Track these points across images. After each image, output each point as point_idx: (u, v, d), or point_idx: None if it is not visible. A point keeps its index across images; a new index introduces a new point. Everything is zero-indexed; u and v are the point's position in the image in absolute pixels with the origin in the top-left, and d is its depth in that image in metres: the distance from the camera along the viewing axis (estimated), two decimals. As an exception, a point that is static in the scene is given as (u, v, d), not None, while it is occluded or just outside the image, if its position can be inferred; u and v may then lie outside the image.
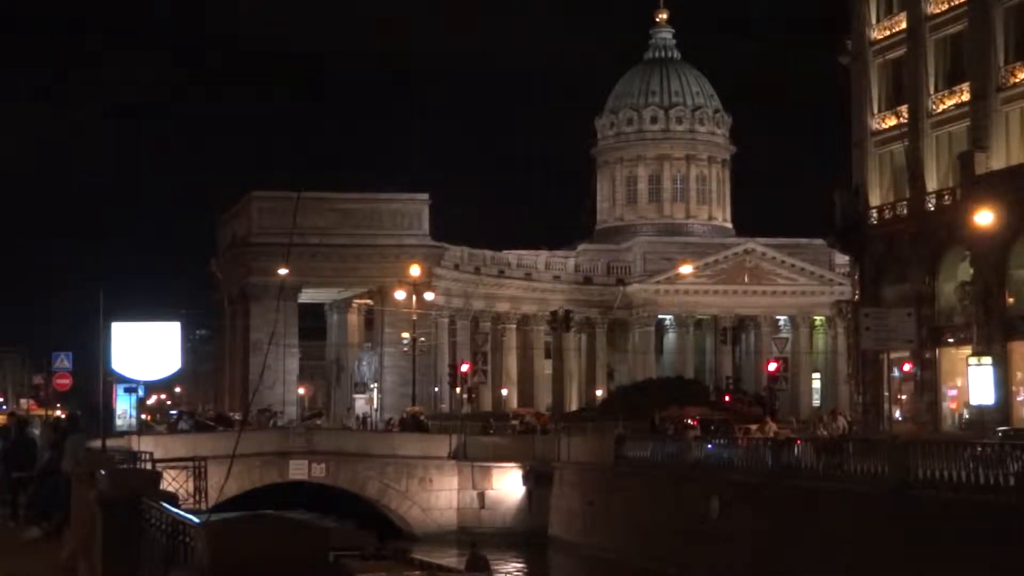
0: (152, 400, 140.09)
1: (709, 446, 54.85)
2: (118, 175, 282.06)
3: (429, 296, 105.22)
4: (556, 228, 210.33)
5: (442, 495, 71.41)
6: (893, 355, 69.99)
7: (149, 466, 33.82)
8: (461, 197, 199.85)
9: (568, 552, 62.69)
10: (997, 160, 63.12)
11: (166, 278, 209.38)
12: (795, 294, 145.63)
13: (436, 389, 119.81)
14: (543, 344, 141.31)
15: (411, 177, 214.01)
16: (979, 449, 38.89)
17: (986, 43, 64.11)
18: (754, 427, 64.54)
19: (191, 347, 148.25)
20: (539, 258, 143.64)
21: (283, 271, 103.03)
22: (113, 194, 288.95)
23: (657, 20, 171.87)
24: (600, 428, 75.00)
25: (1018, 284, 61.96)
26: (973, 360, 60.83)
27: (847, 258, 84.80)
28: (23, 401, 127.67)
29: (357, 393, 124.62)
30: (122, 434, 56.18)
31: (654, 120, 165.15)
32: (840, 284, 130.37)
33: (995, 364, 59.41)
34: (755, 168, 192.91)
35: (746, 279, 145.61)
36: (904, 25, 71.11)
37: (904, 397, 71.04)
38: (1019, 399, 61.26)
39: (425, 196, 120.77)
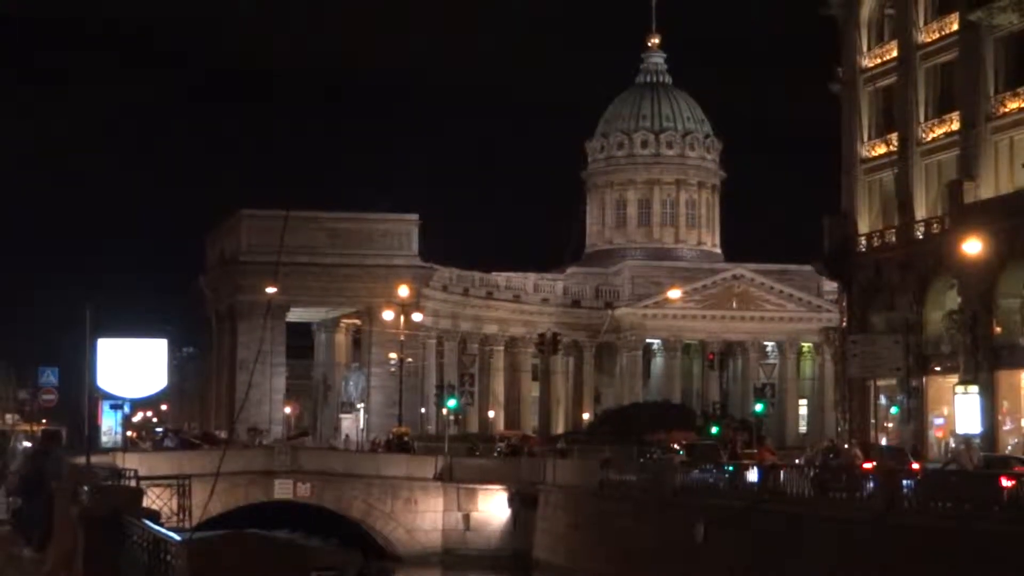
0: (138, 417, 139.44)
1: (695, 471, 54.80)
2: (106, 190, 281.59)
3: (417, 317, 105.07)
4: (545, 251, 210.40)
5: (427, 516, 71.19)
6: (880, 382, 70.08)
7: (133, 483, 33.66)
8: (451, 219, 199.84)
9: (553, 575, 62.49)
10: (986, 189, 63.30)
11: (153, 294, 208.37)
12: (783, 320, 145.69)
13: (423, 410, 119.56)
14: (530, 367, 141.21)
15: (401, 198, 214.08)
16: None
17: (977, 73, 64.34)
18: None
19: (177, 364, 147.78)
20: (528, 281, 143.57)
21: (271, 289, 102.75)
22: (101, 209, 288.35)
23: (649, 45, 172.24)
24: (586, 451, 74.89)
25: (1005, 313, 62.05)
26: (960, 389, 60.79)
27: (835, 285, 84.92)
28: (8, 416, 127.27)
29: (343, 413, 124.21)
30: (107, 451, 55.98)
31: (644, 144, 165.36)
32: (828, 311, 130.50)
33: (982, 393, 59.41)
34: (745, 194, 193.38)
35: (734, 304, 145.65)
36: (895, 54, 71.34)
37: (891, 425, 71.03)
38: (1005, 428, 61.30)
39: (415, 217, 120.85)
